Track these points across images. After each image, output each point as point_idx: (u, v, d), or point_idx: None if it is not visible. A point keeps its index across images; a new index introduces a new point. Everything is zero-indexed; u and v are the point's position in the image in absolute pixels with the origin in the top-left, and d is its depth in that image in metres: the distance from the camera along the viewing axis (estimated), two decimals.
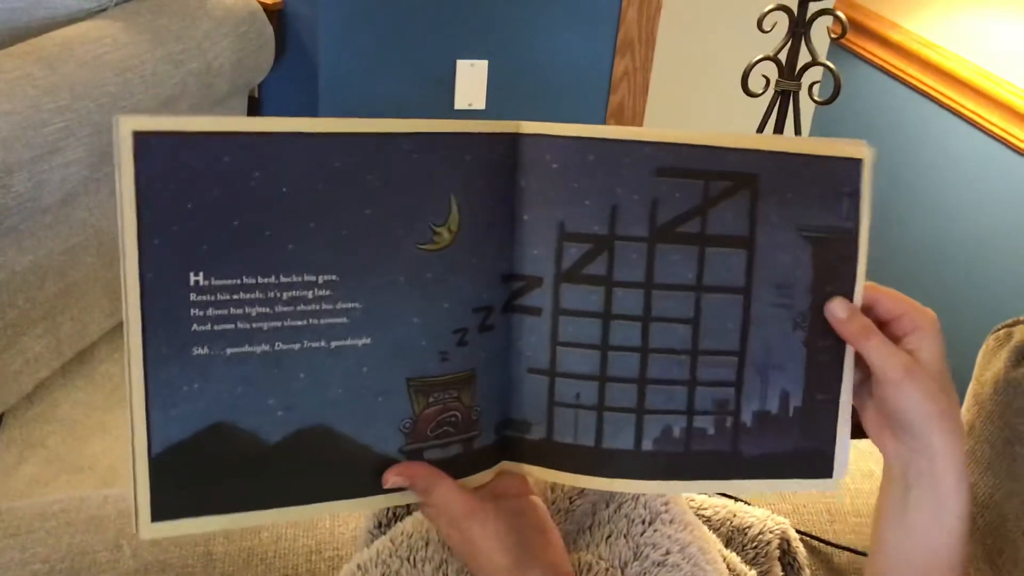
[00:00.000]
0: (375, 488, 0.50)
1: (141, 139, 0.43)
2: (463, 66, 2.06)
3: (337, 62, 2.01)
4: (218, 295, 0.45)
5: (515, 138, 0.50)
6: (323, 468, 0.49)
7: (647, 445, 0.52)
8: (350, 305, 0.48)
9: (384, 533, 0.62)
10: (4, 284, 1.45)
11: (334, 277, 0.47)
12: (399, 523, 0.60)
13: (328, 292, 0.47)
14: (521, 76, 2.10)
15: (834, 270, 0.53)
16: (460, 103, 2.10)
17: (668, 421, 0.53)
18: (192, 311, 0.45)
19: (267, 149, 0.45)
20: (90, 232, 1.62)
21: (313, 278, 0.47)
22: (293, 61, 2.08)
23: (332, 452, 0.49)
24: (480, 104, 2.11)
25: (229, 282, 0.45)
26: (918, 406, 0.50)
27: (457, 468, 0.52)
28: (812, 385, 0.53)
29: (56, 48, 1.49)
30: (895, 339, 0.52)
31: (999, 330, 0.74)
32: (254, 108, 2.17)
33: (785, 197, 0.52)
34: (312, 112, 2.08)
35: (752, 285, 0.52)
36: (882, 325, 0.52)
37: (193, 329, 0.45)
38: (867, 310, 0.53)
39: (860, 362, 0.53)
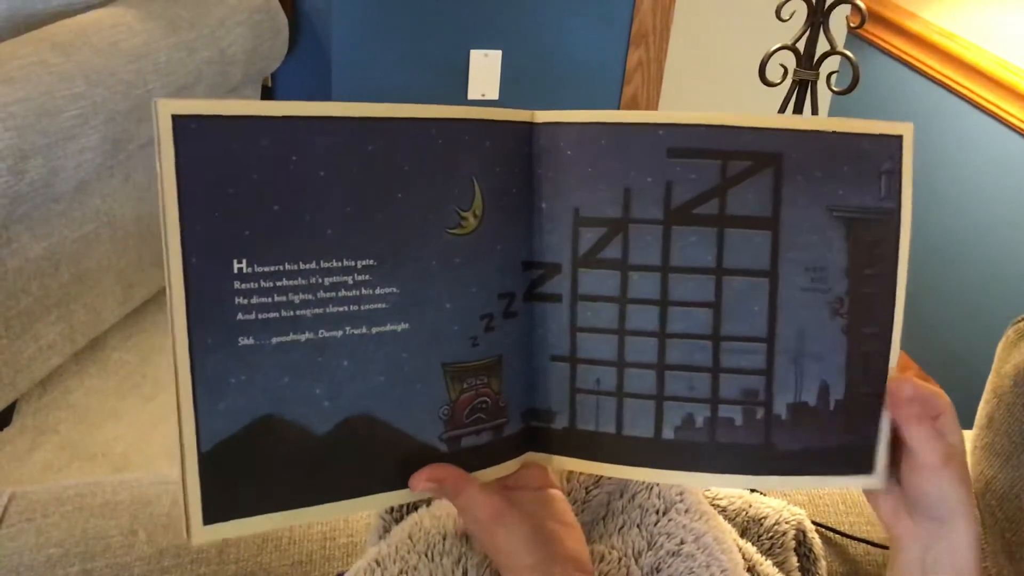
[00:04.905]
0: None
1: (181, 123, 0.43)
2: (477, 56, 2.05)
3: (350, 51, 2.01)
4: (261, 282, 0.44)
5: (530, 127, 0.50)
6: (371, 458, 0.48)
7: (668, 433, 0.51)
8: (388, 290, 0.47)
9: (396, 520, 0.62)
10: (18, 271, 1.45)
11: (372, 262, 0.47)
12: (414, 515, 0.59)
13: (367, 277, 0.47)
14: (535, 66, 2.09)
15: (873, 253, 0.51)
16: (473, 93, 2.09)
17: (690, 409, 0.51)
18: (236, 299, 0.44)
19: (303, 133, 0.45)
20: (104, 220, 1.62)
21: (352, 263, 0.46)
22: (306, 50, 2.08)
23: (378, 441, 0.48)
24: (493, 94, 2.10)
25: (271, 268, 0.45)
26: (951, 493, 0.49)
27: (486, 456, 0.52)
28: (856, 377, 0.51)
29: (71, 35, 1.49)
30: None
31: (1019, 322, 0.73)
32: (267, 97, 2.17)
33: (813, 176, 0.50)
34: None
35: (779, 268, 0.50)
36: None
37: (238, 318, 0.44)
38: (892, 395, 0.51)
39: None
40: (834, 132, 0.50)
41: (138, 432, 1.65)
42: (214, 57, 1.74)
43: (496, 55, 2.06)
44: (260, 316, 0.45)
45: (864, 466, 0.51)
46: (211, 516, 0.45)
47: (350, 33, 1.99)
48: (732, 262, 0.50)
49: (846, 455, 0.51)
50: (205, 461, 0.45)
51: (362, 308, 0.47)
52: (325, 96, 2.07)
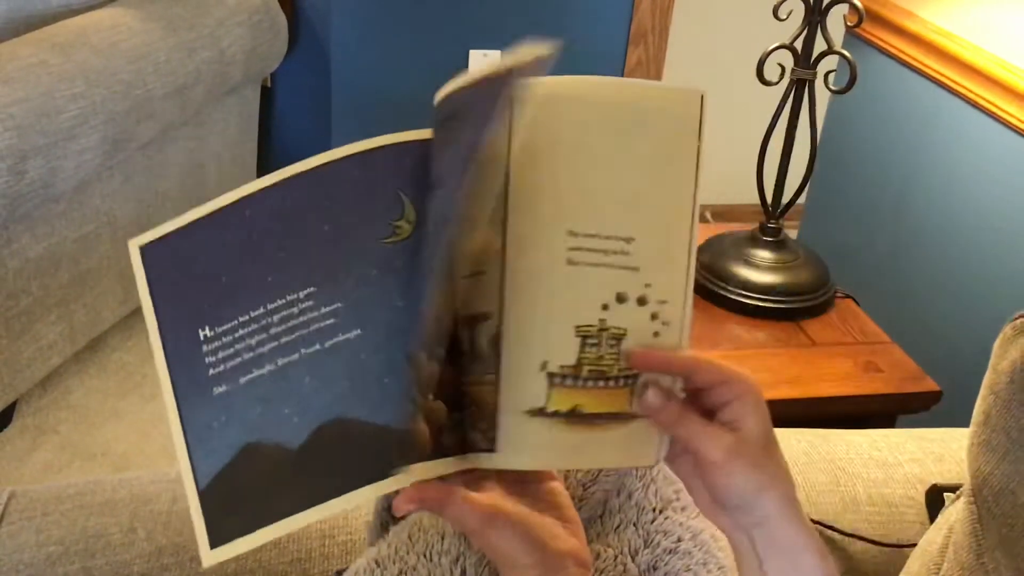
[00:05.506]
0: (404, 462, 0.51)
1: (144, 250, 0.54)
2: (477, 56, 2.06)
3: (350, 52, 2.01)
4: (223, 339, 0.52)
5: None
6: (350, 456, 0.51)
7: None
8: (333, 307, 0.52)
9: (394, 519, 0.62)
10: (18, 271, 1.46)
11: (312, 288, 0.52)
12: (412, 515, 0.60)
13: (311, 303, 0.52)
14: None
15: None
16: None
17: None
18: (207, 359, 0.52)
19: (229, 216, 0.53)
20: (103, 220, 1.62)
21: (295, 295, 0.52)
22: (306, 50, 2.08)
23: (355, 439, 0.51)
24: None
25: (229, 326, 0.52)
26: (746, 482, 0.48)
27: None
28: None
29: (71, 35, 1.50)
30: (714, 408, 0.50)
31: (1016, 319, 0.74)
32: (267, 98, 2.17)
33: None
34: (326, 102, 2.08)
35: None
36: (700, 393, 0.50)
37: (210, 373, 0.52)
38: (685, 380, 0.50)
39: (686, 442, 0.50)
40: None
41: (138, 432, 1.65)
42: (214, 57, 1.74)
43: (496, 55, 2.06)
44: (227, 365, 0.52)
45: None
46: (216, 541, 0.51)
47: (350, 33, 2.00)
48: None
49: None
50: (204, 496, 0.51)
51: (311, 329, 0.52)
52: (325, 95, 2.07)
